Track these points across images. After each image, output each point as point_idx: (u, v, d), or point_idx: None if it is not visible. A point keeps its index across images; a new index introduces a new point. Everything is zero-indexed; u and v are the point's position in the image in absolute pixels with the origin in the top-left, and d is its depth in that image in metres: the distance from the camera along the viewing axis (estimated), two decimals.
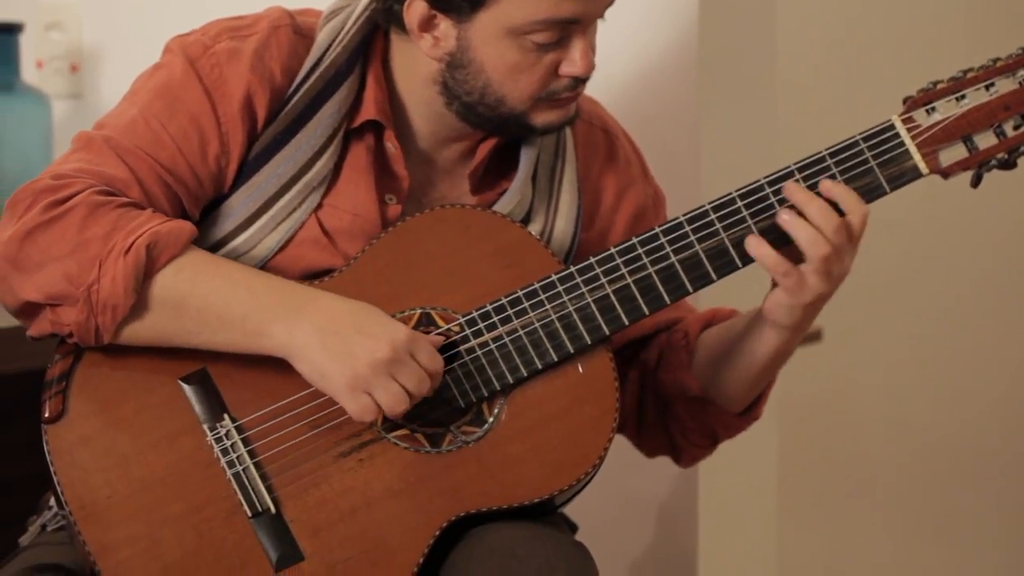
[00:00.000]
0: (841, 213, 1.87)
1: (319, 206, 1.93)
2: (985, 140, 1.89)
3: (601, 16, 1.91)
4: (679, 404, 2.06)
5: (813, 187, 1.88)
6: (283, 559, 1.81)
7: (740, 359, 1.98)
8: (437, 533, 1.82)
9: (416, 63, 1.94)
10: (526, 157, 1.99)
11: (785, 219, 1.87)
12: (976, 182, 1.91)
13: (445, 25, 1.89)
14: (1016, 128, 1.89)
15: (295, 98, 1.92)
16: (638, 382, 2.08)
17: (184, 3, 2.84)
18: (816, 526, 3.41)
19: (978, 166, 1.90)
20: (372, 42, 1.96)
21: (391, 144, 1.95)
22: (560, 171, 2.02)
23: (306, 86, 1.92)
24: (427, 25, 1.90)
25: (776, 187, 1.88)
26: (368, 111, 1.94)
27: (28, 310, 1.83)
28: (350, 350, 1.80)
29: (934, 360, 3.62)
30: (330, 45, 1.94)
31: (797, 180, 1.88)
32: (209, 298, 1.81)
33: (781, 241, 1.88)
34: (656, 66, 2.52)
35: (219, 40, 1.93)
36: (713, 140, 2.51)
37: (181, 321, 1.82)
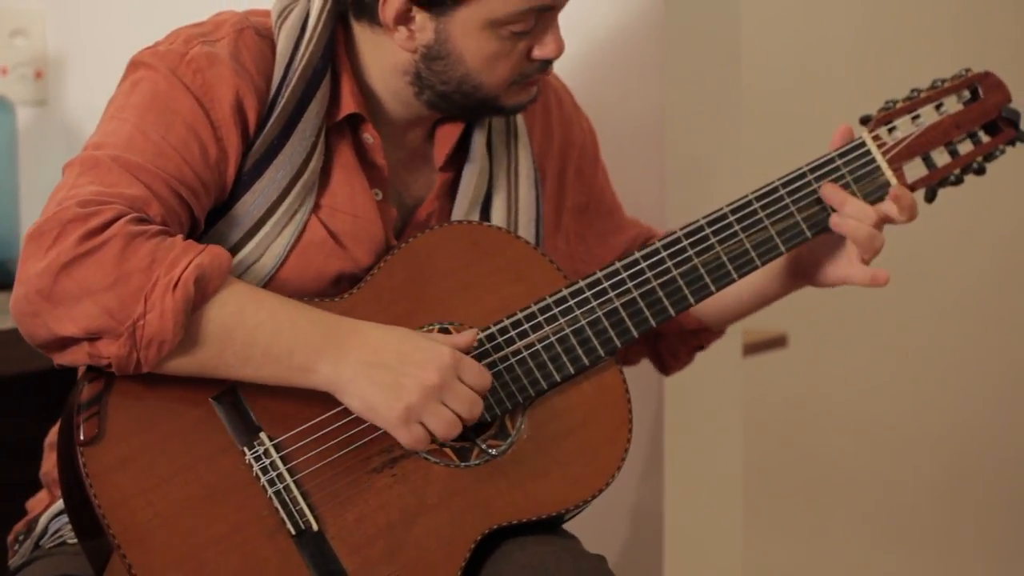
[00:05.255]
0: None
1: (317, 207, 1.94)
2: (940, 158, 2.03)
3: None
4: (672, 334, 2.18)
5: (797, 202, 2.00)
6: None
7: (742, 301, 2.14)
8: (472, 546, 1.85)
9: (385, 54, 1.96)
10: (479, 129, 2.04)
11: (836, 222, 2.00)
12: (931, 198, 2.04)
13: (422, 18, 1.91)
14: (965, 144, 2.03)
15: (280, 102, 1.91)
16: None
17: (148, 10, 2.84)
18: (781, 531, 3.42)
19: (938, 183, 2.03)
20: (335, 35, 1.97)
21: (369, 135, 1.97)
22: (514, 136, 2.08)
23: (289, 89, 1.92)
24: (403, 18, 1.92)
25: (736, 214, 1.99)
26: (348, 105, 1.95)
27: (61, 343, 1.79)
28: (398, 381, 1.81)
29: (898, 365, 3.63)
30: (296, 44, 1.94)
31: (782, 195, 2.00)
32: (254, 333, 1.80)
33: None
34: (621, 65, 2.52)
35: (191, 46, 1.91)
36: (676, 146, 2.52)
37: (224, 355, 1.80)
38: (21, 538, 2.03)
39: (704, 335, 2.20)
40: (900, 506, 3.61)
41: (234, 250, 1.89)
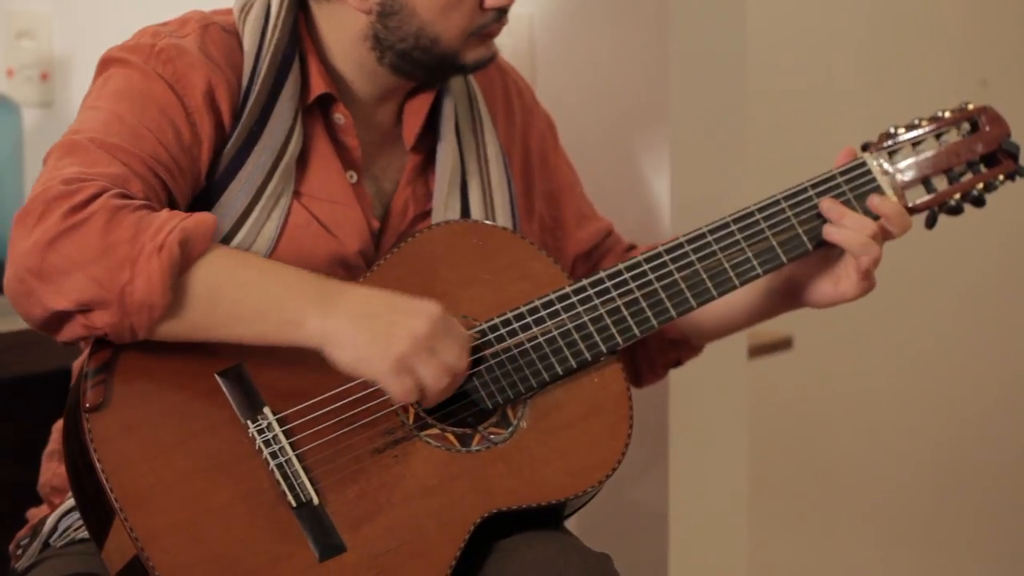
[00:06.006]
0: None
1: (298, 194, 1.96)
2: (940, 184, 2.07)
3: None
4: (653, 343, 2.18)
5: (798, 215, 2.03)
6: (326, 550, 1.82)
7: (734, 316, 2.14)
8: (471, 529, 1.86)
9: (343, 25, 1.98)
10: (446, 109, 2.06)
11: (831, 231, 2.01)
12: (931, 223, 2.09)
13: None
14: (966, 175, 2.08)
15: (254, 91, 1.94)
16: None
17: (153, 12, 2.84)
18: (786, 532, 3.42)
19: (938, 207, 2.07)
20: (297, 20, 2.00)
21: (340, 115, 1.99)
22: (479, 122, 2.10)
23: (260, 77, 1.95)
24: None
25: (739, 223, 2.02)
26: (318, 86, 1.98)
27: (57, 319, 1.81)
28: (388, 331, 1.81)
29: (903, 367, 3.63)
30: (263, 34, 1.97)
31: (783, 208, 2.02)
32: (242, 291, 1.81)
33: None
34: (624, 69, 2.53)
35: (159, 39, 1.94)
36: (682, 148, 2.52)
37: (215, 315, 1.81)
38: (24, 543, 2.03)
39: (684, 348, 2.21)
40: (905, 507, 3.62)
41: (229, 236, 1.92)
